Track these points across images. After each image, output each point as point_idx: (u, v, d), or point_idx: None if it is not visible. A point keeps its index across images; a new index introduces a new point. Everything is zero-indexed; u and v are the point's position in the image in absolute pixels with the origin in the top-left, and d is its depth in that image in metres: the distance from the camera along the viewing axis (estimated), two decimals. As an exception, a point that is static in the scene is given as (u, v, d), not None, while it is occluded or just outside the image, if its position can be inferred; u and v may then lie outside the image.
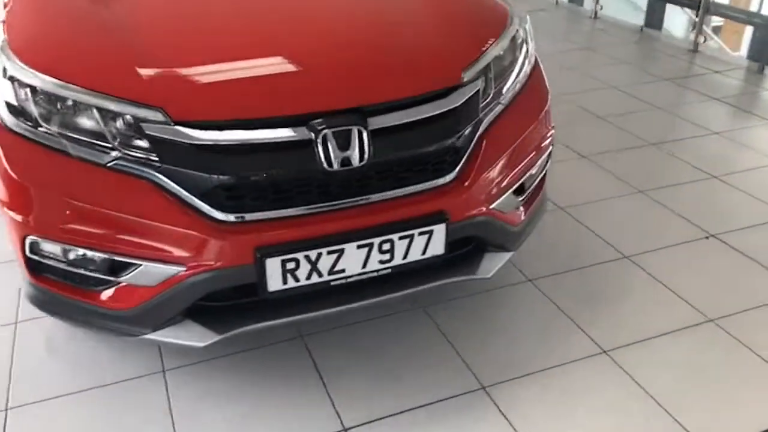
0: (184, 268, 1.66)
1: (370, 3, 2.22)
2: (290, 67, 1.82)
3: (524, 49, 2.16)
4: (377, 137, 1.72)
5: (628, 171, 3.25)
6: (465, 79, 1.87)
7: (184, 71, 1.74)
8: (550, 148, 2.19)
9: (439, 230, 1.79)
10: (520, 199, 2.07)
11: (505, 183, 1.95)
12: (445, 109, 1.82)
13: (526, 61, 2.15)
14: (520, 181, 2.02)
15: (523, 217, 2.12)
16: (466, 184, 1.85)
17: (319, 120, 1.67)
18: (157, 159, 1.64)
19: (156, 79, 1.69)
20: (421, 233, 1.77)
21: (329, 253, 1.70)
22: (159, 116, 1.62)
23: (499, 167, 1.93)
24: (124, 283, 1.74)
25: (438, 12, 2.14)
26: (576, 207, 2.94)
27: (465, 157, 1.87)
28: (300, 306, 1.80)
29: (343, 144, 1.67)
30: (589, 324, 2.25)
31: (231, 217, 1.66)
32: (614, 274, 2.51)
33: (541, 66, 2.27)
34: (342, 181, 1.73)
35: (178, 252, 1.65)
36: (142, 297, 1.72)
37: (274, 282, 1.68)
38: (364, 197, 1.75)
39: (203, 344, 1.75)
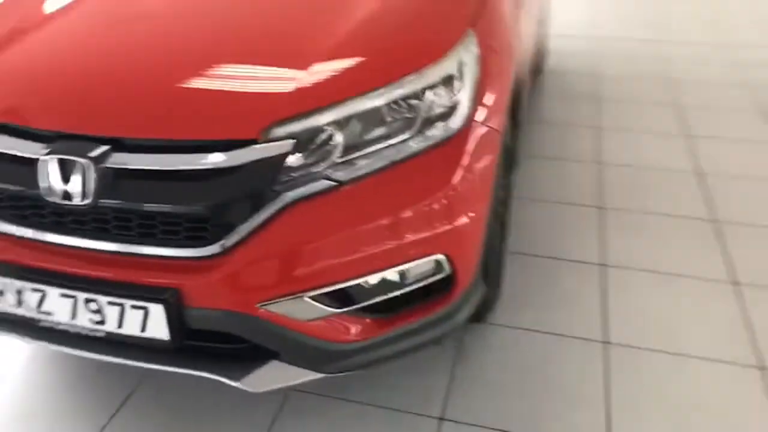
0: None
1: (253, 28, 1.71)
2: (93, 85, 1.54)
3: (434, 110, 1.55)
4: (120, 176, 1.42)
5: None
6: (265, 136, 1.42)
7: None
8: (434, 260, 1.55)
9: (157, 311, 1.42)
10: (338, 309, 1.51)
11: (298, 280, 1.44)
12: (210, 166, 1.41)
13: (435, 126, 1.54)
14: (335, 285, 1.47)
15: (357, 334, 1.55)
16: (223, 266, 1.42)
17: (53, 141, 1.45)
18: None
19: None
20: (133, 306, 1.43)
21: (33, 290, 1.48)
22: None
23: (295, 256, 1.43)
24: None
25: (321, 40, 1.62)
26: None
27: (240, 233, 1.43)
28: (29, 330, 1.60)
29: (65, 175, 1.42)
30: None
31: None
32: None
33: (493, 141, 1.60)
34: (62, 216, 1.48)
35: None
36: None
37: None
38: (82, 240, 1.47)
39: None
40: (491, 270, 1.88)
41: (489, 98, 1.67)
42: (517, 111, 2.21)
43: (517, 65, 1.98)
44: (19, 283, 1.48)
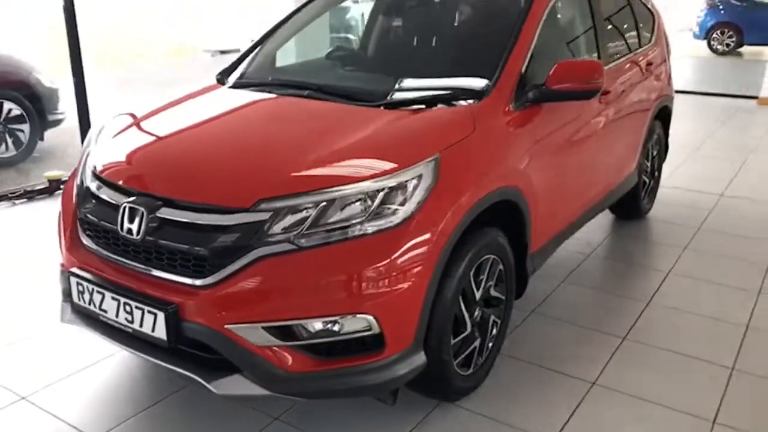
0: None
1: (285, 132, 2.49)
2: (181, 162, 2.35)
3: (372, 208, 2.06)
4: (163, 223, 2.12)
5: None
6: (257, 208, 2.04)
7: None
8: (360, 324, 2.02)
9: (161, 317, 2.04)
10: (283, 342, 2.02)
11: (255, 313, 2.00)
12: (216, 224, 2.05)
13: (375, 220, 2.05)
14: (280, 322, 2.00)
15: (298, 366, 2.04)
16: (206, 293, 2.02)
17: (131, 196, 2.20)
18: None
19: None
20: (149, 311, 2.07)
21: (97, 292, 2.20)
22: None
23: (255, 295, 2.00)
24: None
25: (323, 145, 2.27)
26: None
27: (224, 273, 2.02)
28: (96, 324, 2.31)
29: (130, 217, 2.16)
30: None
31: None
32: None
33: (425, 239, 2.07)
34: (126, 244, 2.20)
35: None
36: None
37: (75, 296, 2.29)
38: (132, 262, 2.17)
39: None
40: (441, 352, 2.25)
41: (436, 207, 2.15)
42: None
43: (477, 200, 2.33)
44: (91, 285, 2.22)
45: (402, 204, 2.10)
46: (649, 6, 4.43)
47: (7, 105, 5.85)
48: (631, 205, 4.32)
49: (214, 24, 17.43)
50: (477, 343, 2.49)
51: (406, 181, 2.13)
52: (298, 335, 2.04)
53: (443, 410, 2.46)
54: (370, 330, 2.05)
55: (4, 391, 2.55)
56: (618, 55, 3.72)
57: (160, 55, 16.70)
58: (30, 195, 4.83)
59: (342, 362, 2.08)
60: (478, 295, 2.44)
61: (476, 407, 2.48)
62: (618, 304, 3.34)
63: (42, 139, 6.16)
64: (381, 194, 2.08)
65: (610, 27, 3.75)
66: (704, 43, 15.56)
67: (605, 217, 4.46)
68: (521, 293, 2.83)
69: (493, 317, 2.58)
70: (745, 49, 15.30)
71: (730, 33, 15.26)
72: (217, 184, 2.17)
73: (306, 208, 2.05)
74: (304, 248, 2.02)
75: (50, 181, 4.92)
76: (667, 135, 4.68)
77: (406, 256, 2.06)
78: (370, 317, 2.02)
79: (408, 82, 2.78)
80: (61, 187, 4.94)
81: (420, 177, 2.16)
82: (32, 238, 4.08)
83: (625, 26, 4.02)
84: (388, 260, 2.02)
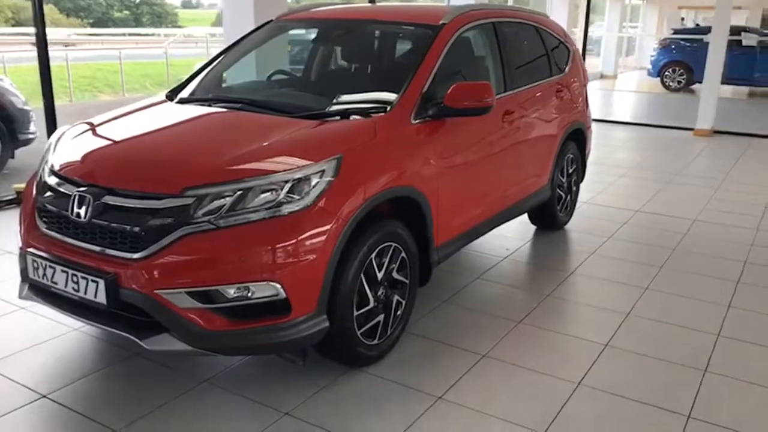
0: None
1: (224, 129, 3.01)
2: (125, 158, 2.80)
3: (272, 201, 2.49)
4: (107, 208, 2.54)
5: None
6: (183, 194, 2.47)
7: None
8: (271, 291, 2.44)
9: (102, 284, 2.45)
10: (203, 305, 2.43)
11: (180, 280, 2.42)
12: (147, 206, 2.49)
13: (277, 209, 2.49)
14: (201, 288, 2.42)
15: (216, 325, 2.45)
16: (139, 264, 2.44)
17: (81, 186, 2.63)
18: None
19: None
20: (92, 280, 2.48)
21: (49, 267, 2.61)
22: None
23: (180, 266, 2.42)
24: None
25: (250, 139, 2.77)
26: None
27: (154, 248, 2.44)
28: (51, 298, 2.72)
29: (80, 203, 2.58)
30: None
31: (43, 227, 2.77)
32: None
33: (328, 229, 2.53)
34: (76, 226, 2.61)
35: None
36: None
37: (30, 272, 2.70)
38: (79, 242, 2.58)
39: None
40: (344, 320, 2.68)
41: (335, 197, 2.60)
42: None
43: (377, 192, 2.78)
44: (44, 262, 2.62)
45: (306, 194, 2.54)
46: (565, 42, 4.98)
47: (-20, 124, 6.24)
48: (548, 216, 4.82)
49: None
50: (381, 318, 2.92)
51: (311, 175, 2.58)
52: (217, 299, 2.46)
53: (350, 374, 2.88)
54: (277, 295, 2.47)
55: (-33, 361, 2.92)
56: (526, 83, 4.24)
57: (137, 86, 17.25)
58: (-1, 205, 5.20)
59: (254, 323, 2.50)
60: (380, 275, 2.88)
61: (378, 372, 2.90)
62: (521, 297, 3.80)
63: (13, 156, 6.54)
64: (288, 185, 2.52)
65: (519, 57, 4.28)
66: (658, 80, 16.44)
67: (526, 227, 4.95)
68: (426, 280, 3.27)
69: (397, 297, 3.02)
70: (697, 87, 16.16)
71: (681, 71, 16.14)
72: (151, 175, 2.61)
73: (225, 195, 2.48)
74: (221, 228, 2.46)
75: (18, 192, 5.30)
76: (583, 155, 5.21)
77: (308, 236, 2.50)
78: (277, 285, 2.45)
79: (327, 99, 3.26)
80: (29, 198, 5.32)
81: (323, 172, 2.61)
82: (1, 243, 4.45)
83: (536, 58, 4.56)
84: (292, 239, 2.47)
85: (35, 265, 2.67)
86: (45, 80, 5.43)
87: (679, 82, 16.18)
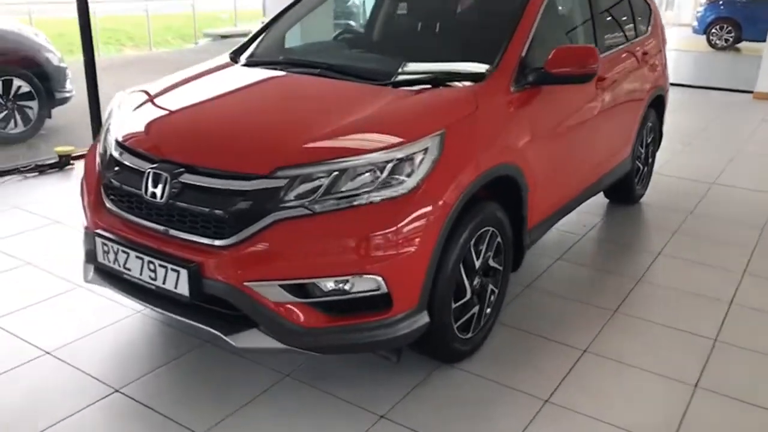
0: None
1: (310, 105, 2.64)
2: (187, 135, 2.50)
3: (378, 181, 2.21)
4: (185, 187, 2.27)
5: None
6: (274, 175, 2.18)
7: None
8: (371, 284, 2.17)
9: (184, 274, 2.19)
10: (298, 299, 2.17)
11: (273, 272, 2.15)
12: (235, 188, 2.20)
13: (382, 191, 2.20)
14: (297, 281, 2.15)
15: (312, 321, 2.20)
16: (226, 252, 2.17)
17: (156, 163, 2.34)
18: None
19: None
20: (172, 269, 2.22)
21: (122, 252, 2.35)
22: None
23: (273, 255, 2.15)
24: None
25: (348, 117, 2.41)
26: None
27: (243, 235, 2.17)
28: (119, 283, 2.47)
29: (154, 182, 2.30)
30: None
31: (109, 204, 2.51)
32: None
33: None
34: (150, 207, 2.34)
35: None
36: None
37: (99, 255, 2.44)
38: (155, 224, 2.32)
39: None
40: (442, 315, 2.41)
41: (440, 178, 2.30)
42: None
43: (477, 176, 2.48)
44: (116, 246, 2.36)
45: (409, 175, 2.25)
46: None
47: (17, 82, 5.97)
48: (625, 190, 4.48)
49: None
50: (476, 309, 2.65)
51: (414, 154, 2.28)
52: (312, 293, 2.19)
53: (443, 371, 2.63)
54: (378, 290, 2.20)
55: (30, 347, 2.71)
56: (615, 45, 3.87)
57: (160, 39, 16.86)
58: (41, 169, 4.96)
59: (352, 319, 2.24)
60: (477, 264, 2.59)
61: (473, 369, 2.65)
62: (611, 281, 3.50)
63: (50, 116, 6.28)
64: (390, 165, 2.23)
65: (607, 18, 3.90)
66: (704, 38, 15.71)
67: (599, 201, 4.62)
68: (518, 266, 2.99)
69: (491, 286, 2.74)
70: (744, 45, 15.44)
71: (729, 28, 15.41)
72: (237, 152, 2.32)
73: (319, 177, 2.19)
74: (318, 213, 2.17)
75: (60, 156, 5.05)
76: (661, 123, 4.84)
77: (413, 224, 2.21)
78: (379, 278, 2.18)
79: (414, 64, 2.92)
80: (71, 161, 5.09)
81: (426, 150, 2.30)
82: (45, 208, 4.21)
83: (623, 18, 4.16)
84: (395, 227, 2.18)
85: (105, 248, 2.41)
86: (85, 33, 5.13)
87: (726, 41, 15.47)
